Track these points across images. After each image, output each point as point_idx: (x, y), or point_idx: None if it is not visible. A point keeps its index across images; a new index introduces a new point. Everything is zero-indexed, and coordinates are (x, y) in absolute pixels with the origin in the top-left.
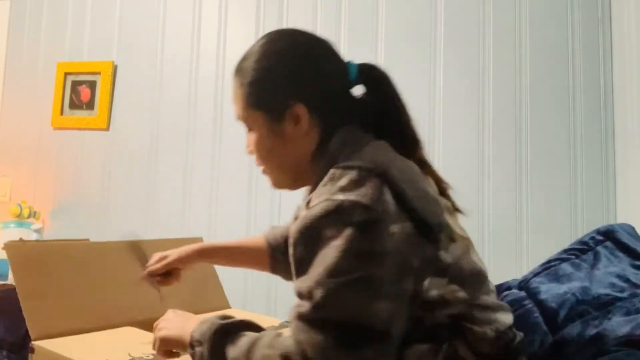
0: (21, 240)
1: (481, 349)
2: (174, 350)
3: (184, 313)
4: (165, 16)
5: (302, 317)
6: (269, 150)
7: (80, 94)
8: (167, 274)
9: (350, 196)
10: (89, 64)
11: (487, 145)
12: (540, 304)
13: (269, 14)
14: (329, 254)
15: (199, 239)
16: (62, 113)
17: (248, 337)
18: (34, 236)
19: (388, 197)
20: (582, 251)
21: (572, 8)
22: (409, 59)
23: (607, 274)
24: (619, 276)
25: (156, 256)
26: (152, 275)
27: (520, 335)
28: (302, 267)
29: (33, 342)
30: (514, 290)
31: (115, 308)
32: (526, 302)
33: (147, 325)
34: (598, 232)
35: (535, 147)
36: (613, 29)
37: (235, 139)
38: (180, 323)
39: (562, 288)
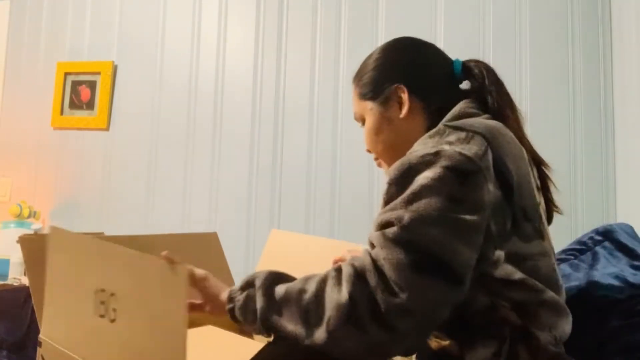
0: (36, 233)
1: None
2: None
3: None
4: (165, 16)
5: (387, 236)
6: (378, 133)
7: (80, 94)
8: None
9: (455, 147)
10: (89, 64)
11: None
12: None
13: (269, 14)
14: (422, 191)
15: (214, 235)
16: (62, 113)
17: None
18: None
19: (490, 158)
20: (581, 251)
21: (572, 8)
22: None
23: (605, 275)
24: (617, 277)
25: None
26: None
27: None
28: (393, 201)
29: (41, 336)
30: None
31: None
32: None
33: None
34: (597, 232)
35: (535, 147)
36: (613, 29)
37: (234, 138)
38: (218, 286)
39: None
